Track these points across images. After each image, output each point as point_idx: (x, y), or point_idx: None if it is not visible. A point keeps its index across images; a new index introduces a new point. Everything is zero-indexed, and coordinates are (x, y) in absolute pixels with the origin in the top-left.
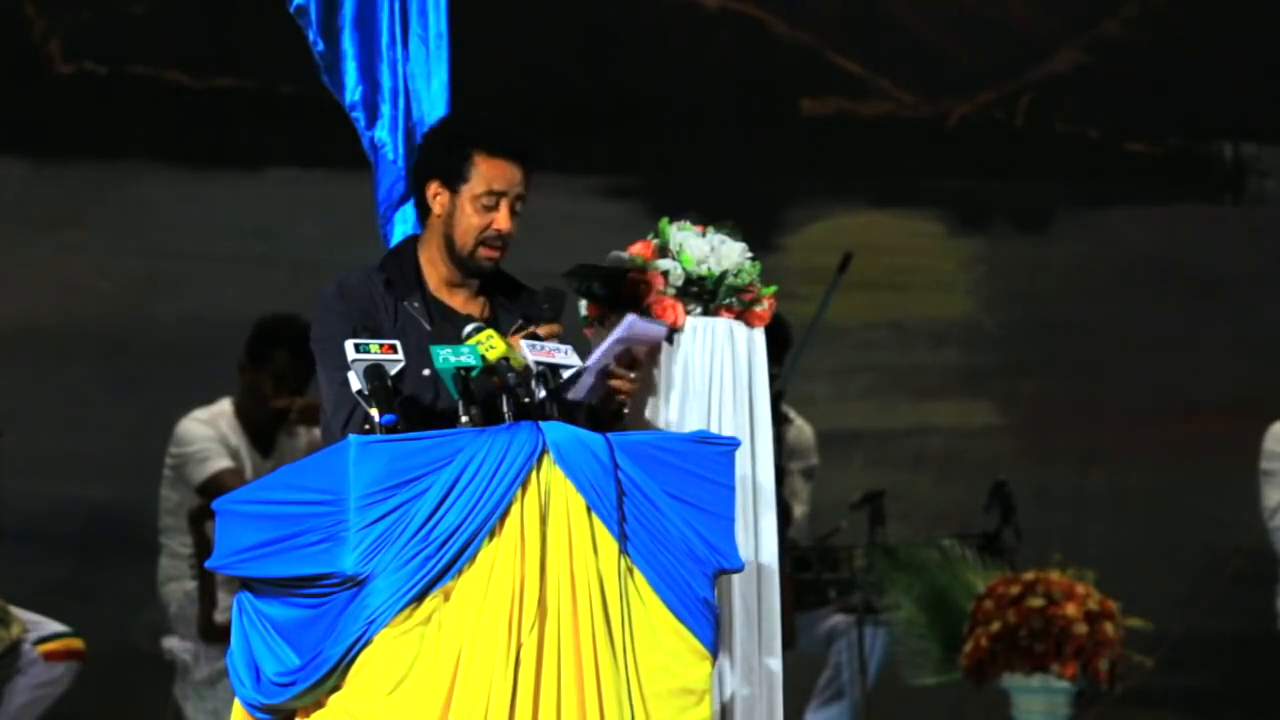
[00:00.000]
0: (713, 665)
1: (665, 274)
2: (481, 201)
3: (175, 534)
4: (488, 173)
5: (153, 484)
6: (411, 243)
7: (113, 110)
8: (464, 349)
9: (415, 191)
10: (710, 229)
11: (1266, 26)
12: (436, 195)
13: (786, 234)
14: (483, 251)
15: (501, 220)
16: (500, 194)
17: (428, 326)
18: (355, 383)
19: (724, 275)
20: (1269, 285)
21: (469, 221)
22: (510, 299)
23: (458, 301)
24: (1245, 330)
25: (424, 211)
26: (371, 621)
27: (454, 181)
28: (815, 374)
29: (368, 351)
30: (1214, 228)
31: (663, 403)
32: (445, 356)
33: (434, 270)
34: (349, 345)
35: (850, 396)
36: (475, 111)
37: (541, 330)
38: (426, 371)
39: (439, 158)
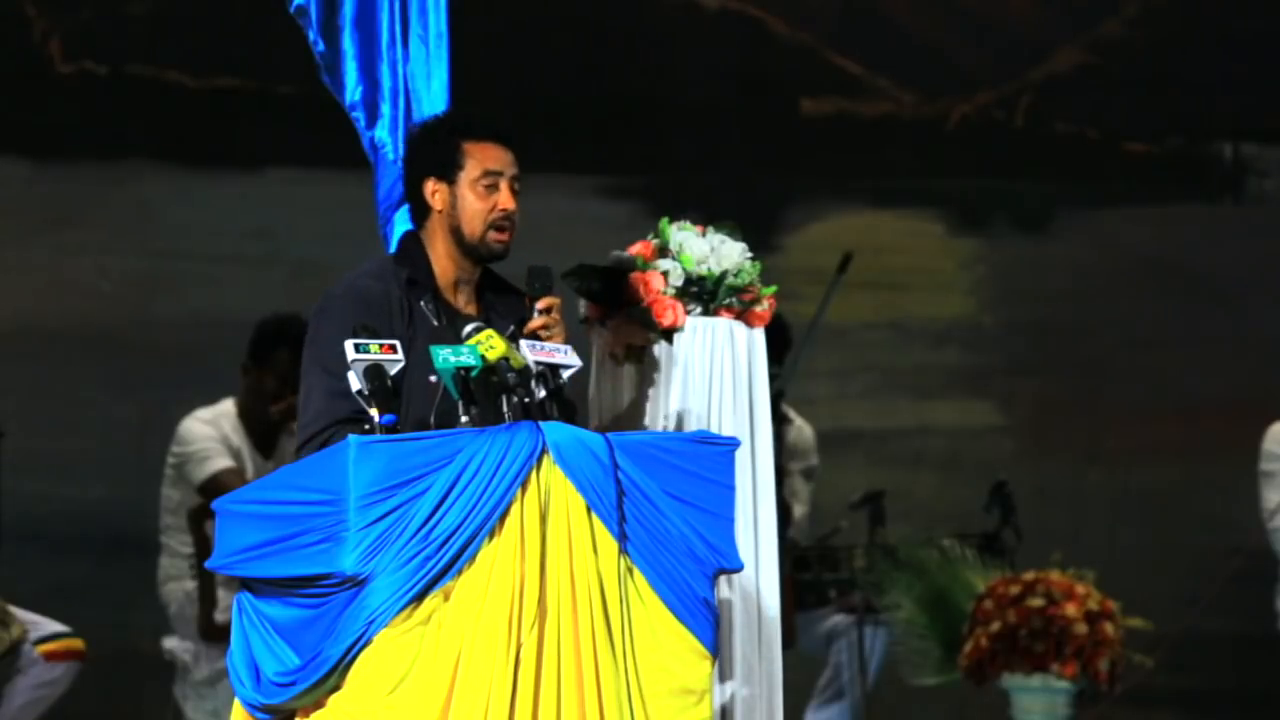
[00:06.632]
0: (713, 665)
1: (665, 274)
2: (482, 184)
3: (176, 533)
4: (480, 155)
5: (153, 484)
6: (416, 240)
7: (113, 110)
8: (464, 349)
9: (411, 196)
10: (710, 229)
11: (1266, 26)
12: (435, 192)
13: (786, 234)
14: (493, 235)
15: (505, 199)
16: (498, 173)
17: (435, 323)
18: (355, 383)
19: (724, 275)
20: (1269, 285)
21: (474, 207)
22: (500, 300)
23: (460, 302)
24: (1245, 330)
25: (423, 212)
26: (371, 621)
27: (449, 172)
28: (815, 374)
29: (367, 351)
30: (1214, 228)
31: (663, 403)
32: (445, 356)
33: (440, 269)
34: (349, 345)
35: (850, 396)
36: (450, 107)
37: (541, 304)
38: (434, 378)
39: (428, 155)
